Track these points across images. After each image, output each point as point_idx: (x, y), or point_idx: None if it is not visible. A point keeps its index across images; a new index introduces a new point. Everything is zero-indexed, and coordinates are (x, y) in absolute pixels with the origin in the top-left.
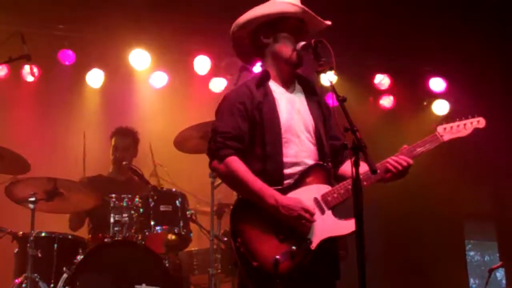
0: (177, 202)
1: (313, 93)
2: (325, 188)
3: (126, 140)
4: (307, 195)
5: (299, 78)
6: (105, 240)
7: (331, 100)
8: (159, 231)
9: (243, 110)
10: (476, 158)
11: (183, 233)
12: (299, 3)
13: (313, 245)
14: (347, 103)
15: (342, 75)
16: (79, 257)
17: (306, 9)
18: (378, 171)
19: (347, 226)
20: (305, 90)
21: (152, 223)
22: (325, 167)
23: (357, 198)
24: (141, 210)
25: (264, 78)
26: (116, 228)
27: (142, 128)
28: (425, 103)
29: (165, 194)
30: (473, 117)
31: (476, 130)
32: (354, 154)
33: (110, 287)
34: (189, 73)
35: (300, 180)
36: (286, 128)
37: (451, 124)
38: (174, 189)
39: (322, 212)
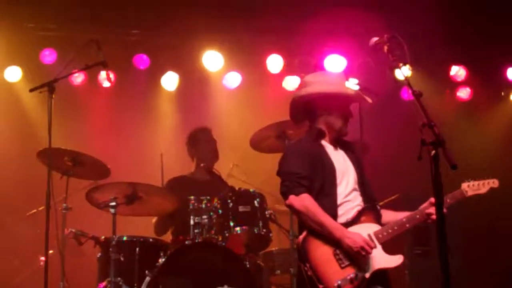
0: (255, 202)
1: (352, 152)
2: (376, 227)
3: (209, 135)
4: (363, 231)
5: (341, 141)
6: (186, 242)
7: (406, 95)
8: (239, 232)
9: (307, 156)
10: None
11: (262, 233)
12: (344, 83)
13: (368, 274)
14: (424, 95)
15: (417, 68)
16: (161, 260)
17: (361, 93)
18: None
19: (394, 260)
20: (345, 149)
21: (231, 224)
22: (376, 209)
23: (438, 194)
24: (220, 211)
25: (319, 135)
26: (196, 230)
27: (217, 128)
28: (502, 94)
29: (243, 194)
30: (489, 178)
31: (492, 189)
32: (434, 149)
33: None
34: (262, 72)
35: (357, 218)
36: (339, 173)
37: (473, 182)
38: (252, 189)
39: (375, 247)
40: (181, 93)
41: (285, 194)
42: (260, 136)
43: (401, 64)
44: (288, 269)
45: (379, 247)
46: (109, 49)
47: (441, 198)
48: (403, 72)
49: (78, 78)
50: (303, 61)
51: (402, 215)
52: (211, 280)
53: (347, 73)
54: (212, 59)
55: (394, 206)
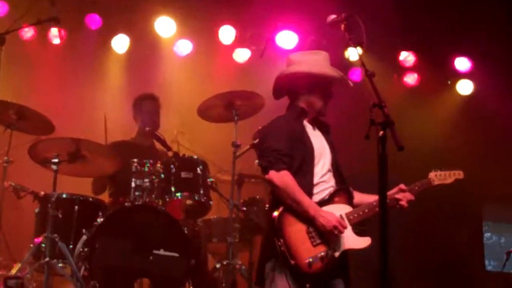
0: (198, 169)
1: (328, 133)
2: (348, 208)
3: (154, 105)
4: (336, 211)
5: (318, 121)
6: (126, 204)
7: (355, 76)
8: (180, 197)
9: (289, 134)
10: (497, 139)
11: (203, 200)
12: (329, 64)
13: (337, 254)
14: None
15: (367, 51)
16: (99, 220)
17: (343, 75)
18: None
19: (363, 241)
20: (322, 130)
21: (172, 189)
22: (349, 191)
23: (382, 173)
24: (162, 175)
25: (301, 114)
26: (137, 193)
27: (165, 95)
28: (449, 82)
29: (187, 161)
30: (454, 169)
31: (457, 180)
32: (382, 130)
33: (128, 251)
34: (213, 42)
35: (330, 198)
36: (317, 153)
37: (440, 172)
38: (195, 157)
39: (346, 227)
40: (131, 56)
41: (266, 169)
42: (207, 104)
43: (356, 44)
44: (225, 238)
45: (349, 228)
46: (62, 6)
47: (385, 178)
48: (357, 52)
49: (28, 32)
50: (255, 35)
51: (373, 198)
52: (148, 243)
53: (297, 50)
54: (164, 25)
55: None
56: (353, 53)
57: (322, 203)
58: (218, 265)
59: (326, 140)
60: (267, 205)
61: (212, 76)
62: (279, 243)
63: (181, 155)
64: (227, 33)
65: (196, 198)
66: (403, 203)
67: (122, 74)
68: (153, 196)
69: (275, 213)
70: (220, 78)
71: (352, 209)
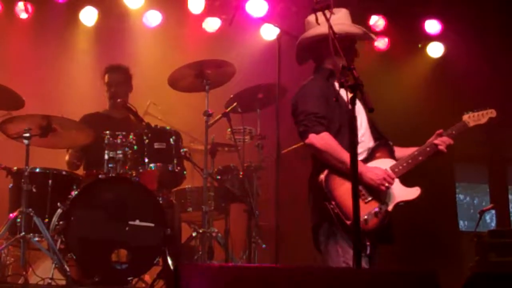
0: (171, 140)
1: (360, 92)
2: (391, 162)
3: (118, 75)
4: (380, 166)
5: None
6: (100, 176)
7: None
8: (153, 168)
9: (323, 96)
10: (470, 101)
11: (176, 170)
12: (350, 21)
13: (390, 207)
14: None
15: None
16: (74, 193)
17: (367, 31)
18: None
19: (413, 192)
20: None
21: (146, 160)
22: (389, 144)
23: (352, 132)
24: (135, 147)
25: (331, 76)
26: (110, 165)
27: (136, 67)
28: (419, 46)
29: (159, 131)
30: (485, 109)
31: (491, 119)
32: (352, 92)
33: (104, 223)
34: (183, 12)
35: (371, 154)
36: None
37: (473, 114)
38: (168, 127)
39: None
40: (100, 29)
41: (304, 133)
42: (178, 75)
43: (324, 7)
44: (200, 207)
45: (397, 180)
46: None
47: (355, 138)
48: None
49: None
50: (224, 3)
51: (411, 151)
52: (123, 214)
53: (268, 17)
54: None
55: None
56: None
57: (365, 160)
58: (194, 234)
59: (359, 100)
60: (241, 173)
61: (182, 46)
62: (331, 206)
63: (153, 126)
64: (196, 3)
65: (170, 168)
66: (442, 148)
67: (91, 47)
68: (127, 167)
69: (321, 177)
70: (190, 48)
71: (395, 162)
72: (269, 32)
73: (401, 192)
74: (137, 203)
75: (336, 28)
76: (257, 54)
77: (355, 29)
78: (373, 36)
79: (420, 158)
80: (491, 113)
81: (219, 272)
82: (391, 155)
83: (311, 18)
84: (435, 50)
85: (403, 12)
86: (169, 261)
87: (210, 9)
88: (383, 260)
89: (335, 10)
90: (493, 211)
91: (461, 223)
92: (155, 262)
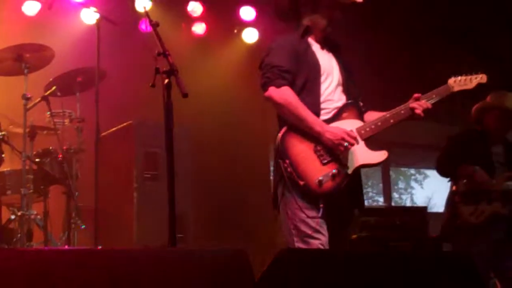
0: None
1: (339, 52)
2: (358, 123)
3: None
4: (345, 126)
5: (328, 39)
6: None
7: (144, 25)
8: None
9: (292, 51)
10: None
11: None
12: None
13: (350, 170)
14: (160, 29)
15: (155, 2)
16: None
17: None
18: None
19: (378, 156)
20: (332, 49)
21: None
22: (358, 105)
23: (167, 119)
24: None
25: (306, 32)
26: None
27: None
28: (235, 31)
29: None
30: (476, 73)
31: (479, 84)
32: (167, 78)
33: None
34: None
35: (338, 114)
36: (323, 71)
37: (460, 77)
38: None
39: (357, 143)
40: None
41: (265, 86)
42: None
43: None
44: (19, 190)
45: (361, 143)
46: None
47: (171, 123)
48: (143, 3)
49: None
50: None
51: (384, 113)
52: None
53: (87, 2)
54: None
55: (126, 132)
56: (139, 4)
57: (329, 120)
58: (13, 217)
59: (336, 58)
60: (60, 156)
61: (1, 29)
62: (285, 165)
63: None
64: None
65: None
66: (419, 111)
67: None
68: None
69: (279, 134)
70: (9, 31)
71: (362, 123)
72: (89, 17)
73: (365, 155)
74: None
75: None
76: (77, 38)
77: None
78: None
79: (392, 121)
80: (481, 78)
81: (35, 256)
82: (360, 117)
83: None
84: (250, 35)
85: None
86: None
87: None
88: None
89: None
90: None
91: None
92: None
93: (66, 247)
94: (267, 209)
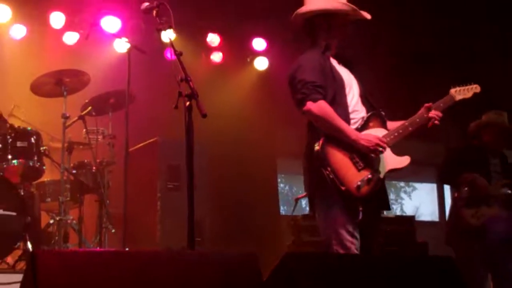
0: (32, 139)
1: (352, 68)
2: (383, 131)
3: None
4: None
5: (341, 56)
6: None
7: (169, 54)
8: (15, 164)
9: (319, 67)
10: (287, 106)
11: (37, 165)
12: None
13: (382, 175)
14: (183, 57)
15: (179, 33)
16: None
17: (357, 9)
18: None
19: (403, 161)
20: (347, 65)
21: (9, 157)
22: (381, 115)
23: (188, 137)
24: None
25: (327, 49)
26: None
27: (3, 75)
28: (248, 60)
29: (22, 132)
30: (471, 84)
31: (475, 94)
32: (188, 100)
33: None
34: (45, 27)
35: (365, 124)
36: (347, 85)
37: (459, 88)
38: (29, 128)
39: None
40: None
41: (302, 101)
42: (40, 81)
43: (166, 28)
44: (57, 197)
45: (388, 149)
46: None
47: (191, 140)
48: (168, 35)
49: None
50: (82, 20)
51: (400, 123)
52: None
53: (120, 33)
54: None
55: (152, 147)
56: (164, 36)
57: (359, 129)
58: (51, 221)
59: (352, 73)
60: (94, 168)
61: (44, 57)
62: (327, 172)
63: (16, 126)
64: (57, 18)
65: (31, 164)
66: (437, 122)
67: None
68: None
69: (317, 145)
70: (51, 58)
71: (387, 131)
72: (121, 46)
73: (392, 160)
74: (1, 195)
75: (329, 5)
76: (110, 65)
77: (345, 6)
78: (365, 14)
79: (410, 128)
80: (476, 88)
81: (71, 256)
82: (384, 125)
83: None
84: (261, 63)
85: (235, 31)
86: (29, 245)
87: (70, 25)
88: (217, 243)
89: None
90: (307, 198)
91: (281, 207)
92: (16, 247)
93: (98, 248)
94: (274, 216)
